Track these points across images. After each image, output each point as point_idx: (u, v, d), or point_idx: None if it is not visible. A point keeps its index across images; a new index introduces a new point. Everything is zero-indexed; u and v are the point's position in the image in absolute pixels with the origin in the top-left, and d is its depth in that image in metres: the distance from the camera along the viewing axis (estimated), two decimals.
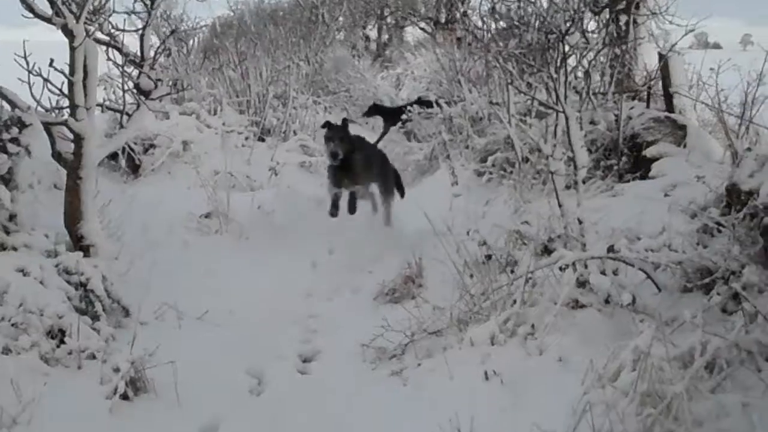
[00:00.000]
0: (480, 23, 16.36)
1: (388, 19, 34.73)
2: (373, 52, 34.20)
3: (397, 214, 11.43)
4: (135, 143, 13.47)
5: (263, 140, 16.07)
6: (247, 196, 11.85)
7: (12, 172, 7.94)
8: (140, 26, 9.90)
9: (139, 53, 9.76)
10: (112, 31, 9.63)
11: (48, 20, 8.07)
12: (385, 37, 36.29)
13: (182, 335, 7.82)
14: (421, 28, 31.80)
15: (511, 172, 11.07)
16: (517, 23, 12.83)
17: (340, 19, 30.20)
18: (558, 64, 7.95)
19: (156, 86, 9.58)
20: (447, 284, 7.76)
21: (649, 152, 10.31)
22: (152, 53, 9.95)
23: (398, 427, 5.91)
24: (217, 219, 10.87)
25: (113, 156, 12.97)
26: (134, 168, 13.55)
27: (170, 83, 11.58)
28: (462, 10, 25.34)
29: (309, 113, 18.29)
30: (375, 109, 20.28)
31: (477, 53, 16.45)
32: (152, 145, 13.68)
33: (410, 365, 6.97)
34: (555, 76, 7.75)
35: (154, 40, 11.04)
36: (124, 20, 9.97)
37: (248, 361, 7.42)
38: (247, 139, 15.42)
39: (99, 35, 9.17)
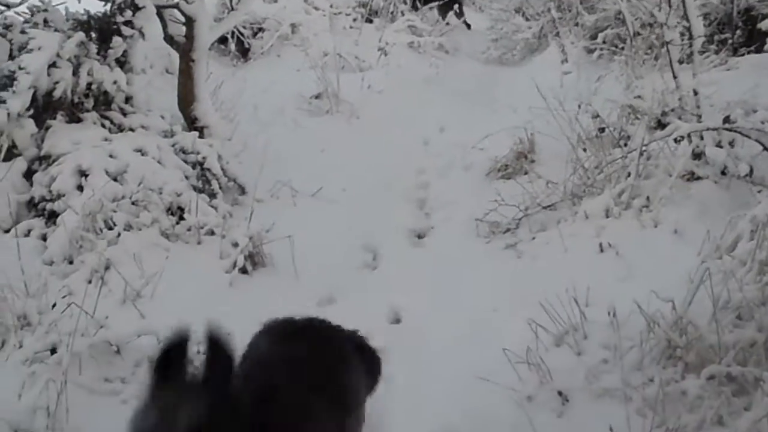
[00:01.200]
0: None
1: None
2: None
3: (509, 91, 11.35)
4: (244, 27, 13.49)
5: (371, 21, 15.94)
6: (356, 77, 11.84)
7: (126, 56, 8.09)
8: None
9: None
10: None
11: None
12: None
13: (297, 212, 7.95)
14: None
15: (623, 48, 10.87)
16: None
17: None
18: None
19: None
20: (560, 159, 7.69)
21: (764, 25, 9.80)
22: None
23: (515, 296, 5.91)
24: (327, 99, 10.87)
25: (223, 40, 13.04)
26: (244, 52, 13.59)
27: None
28: None
29: None
30: None
31: None
32: (261, 29, 13.67)
33: (524, 239, 7.03)
34: None
35: None
36: None
37: (363, 236, 7.54)
38: (355, 20, 15.29)
39: None
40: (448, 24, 16.62)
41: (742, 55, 9.99)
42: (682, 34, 7.63)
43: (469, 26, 17.59)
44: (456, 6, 17.61)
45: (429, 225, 7.95)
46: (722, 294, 4.67)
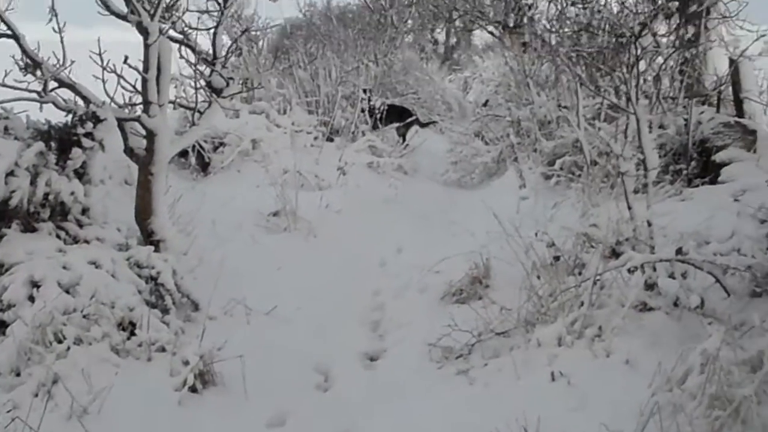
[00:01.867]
0: (548, 27, 16.32)
1: (457, 23, 34.53)
2: (441, 55, 34.07)
3: (467, 215, 11.53)
4: (205, 141, 13.51)
5: (332, 140, 15.89)
6: (315, 195, 11.90)
7: (85, 167, 8.08)
8: (212, 25, 9.84)
9: (210, 52, 9.81)
10: (185, 29, 9.70)
11: (123, 18, 8.19)
12: (453, 40, 36.13)
13: (251, 330, 7.91)
14: (489, 32, 31.54)
15: (579, 176, 10.91)
16: (586, 27, 12.77)
17: (409, 22, 30.08)
18: (630, 65, 7.91)
19: (227, 85, 9.63)
20: (514, 285, 7.70)
21: (718, 157, 10.17)
22: (224, 52, 10.04)
23: (464, 425, 5.91)
24: (285, 217, 10.95)
25: (183, 153, 13.04)
26: (204, 166, 13.57)
27: (241, 82, 11.65)
28: (529, 14, 25.09)
29: (378, 114, 18.39)
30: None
31: (545, 57, 16.25)
32: (222, 143, 13.73)
33: (477, 365, 6.99)
34: (627, 77, 7.72)
35: (225, 40, 11.14)
36: (197, 19, 10.04)
37: (315, 357, 7.49)
38: (315, 138, 15.43)
39: (172, 33, 9.23)
40: (407, 145, 16.95)
41: (697, 186, 10.10)
42: (637, 165, 7.81)
43: (404, 140, 17.97)
44: (415, 128, 18.03)
45: (382, 347, 7.91)
46: (671, 428, 4.72)
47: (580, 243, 8.19)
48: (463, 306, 8.22)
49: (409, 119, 17.67)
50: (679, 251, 6.90)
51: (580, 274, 7.47)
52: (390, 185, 13.88)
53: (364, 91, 17.26)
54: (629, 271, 6.94)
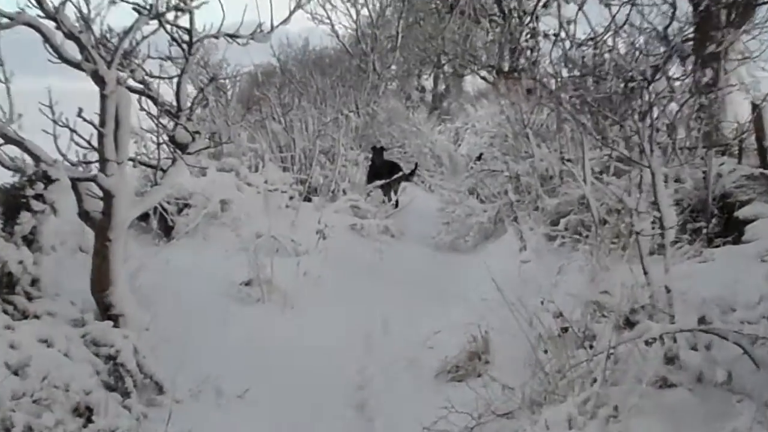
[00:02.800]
0: (549, 71, 16.12)
1: (446, 68, 34.80)
2: (428, 103, 34.31)
3: (462, 282, 11.65)
4: (168, 202, 13.39)
5: (309, 200, 16.19)
6: (292, 262, 11.85)
7: (35, 233, 8.03)
8: (176, 73, 9.91)
9: (174, 103, 9.77)
10: (146, 78, 9.66)
11: (77, 66, 8.17)
12: (441, 87, 36.42)
13: (221, 415, 7.82)
14: (482, 77, 31.74)
15: (587, 236, 10.97)
16: (592, 71, 12.72)
17: (393, 67, 30.18)
18: (642, 113, 7.89)
19: (193, 139, 9.59)
20: (517, 361, 7.72)
21: (742, 213, 10.16)
22: (189, 103, 9.97)
23: None
24: (259, 286, 10.87)
25: (144, 217, 12.83)
26: (167, 230, 13.41)
27: (208, 136, 11.59)
28: (533, 58, 25.04)
29: (360, 170, 18.55)
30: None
31: (546, 104, 16.34)
32: (187, 205, 13.56)
33: None
34: (639, 126, 7.68)
35: (190, 89, 11.13)
36: (159, 67, 10.05)
37: None
38: (291, 198, 15.37)
39: (131, 83, 9.25)
40: (397, 204, 17.03)
41: (718, 246, 9.96)
42: (652, 223, 7.77)
43: (396, 204, 17.92)
44: (401, 185, 18.12)
45: None
46: None
47: (590, 312, 8.19)
48: (461, 385, 8.22)
49: (397, 175, 17.82)
50: (701, 320, 6.78)
51: (591, 347, 7.33)
52: (375, 250, 13.97)
53: (374, 148, 18.10)
54: (646, 343, 6.81)
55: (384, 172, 17.95)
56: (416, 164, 20.58)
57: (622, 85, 10.60)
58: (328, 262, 12.40)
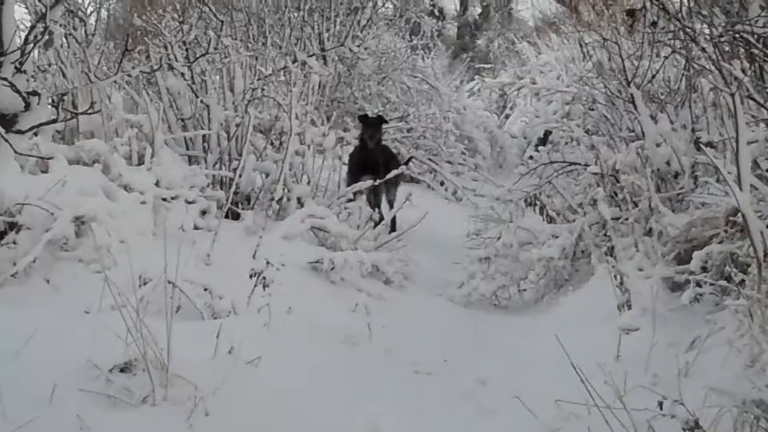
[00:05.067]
0: None
1: None
2: (452, 41, 34.04)
3: (512, 369, 11.04)
4: None
5: (237, 217, 15.44)
6: (206, 330, 10.81)
7: None
8: None
9: None
10: None
11: None
12: (475, 9, 36.16)
13: None
14: None
15: (742, 283, 10.01)
16: None
17: None
18: None
19: (26, 106, 9.45)
20: None
21: None
22: (18, 40, 9.80)
23: None
24: (145, 375, 9.62)
25: None
26: None
27: (53, 100, 11.39)
28: None
29: (327, 163, 17.93)
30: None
31: (669, 41, 15.36)
32: (15, 225, 12.77)
33: None
34: None
35: (20, 15, 10.92)
36: None
37: None
38: (204, 213, 14.44)
39: None
40: (393, 225, 16.68)
41: None
42: None
43: (393, 224, 17.42)
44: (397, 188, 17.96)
45: None
46: None
47: (749, 421, 7.96)
48: None
49: (398, 170, 17.63)
50: None
51: None
52: (357, 309, 13.10)
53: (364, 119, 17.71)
54: None
55: (378, 162, 17.90)
56: (411, 158, 20.57)
57: None
58: (273, 332, 11.37)
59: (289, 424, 9.80)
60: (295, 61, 17.72)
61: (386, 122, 18.13)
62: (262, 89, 15.80)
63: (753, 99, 9.56)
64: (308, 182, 15.66)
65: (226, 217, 13.70)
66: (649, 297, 10.95)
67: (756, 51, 9.64)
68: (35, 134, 9.18)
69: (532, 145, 20.52)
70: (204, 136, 15.03)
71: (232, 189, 14.10)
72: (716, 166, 9.74)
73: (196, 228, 13.25)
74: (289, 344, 10.64)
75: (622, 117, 14.63)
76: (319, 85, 18.32)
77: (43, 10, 10.56)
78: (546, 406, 8.18)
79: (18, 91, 8.47)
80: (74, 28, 16.93)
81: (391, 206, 16.83)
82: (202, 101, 15.74)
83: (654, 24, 15.54)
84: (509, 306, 13.75)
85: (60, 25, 14.62)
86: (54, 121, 9.71)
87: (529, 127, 23.57)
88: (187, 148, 15.02)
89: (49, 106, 9.38)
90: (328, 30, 20.83)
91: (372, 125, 17.19)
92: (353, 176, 16.49)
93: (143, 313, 10.09)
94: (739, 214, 9.22)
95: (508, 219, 15.28)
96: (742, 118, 8.93)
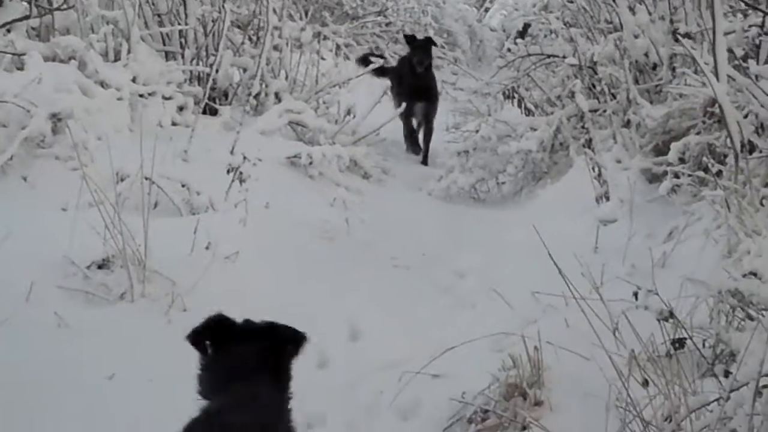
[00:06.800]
0: None
1: None
2: None
3: (490, 261, 11.43)
4: None
5: (215, 113, 15.94)
6: (183, 226, 11.28)
7: None
8: None
9: None
10: None
11: None
12: None
13: None
14: None
15: (719, 173, 10.36)
16: None
17: None
18: None
19: None
20: (592, 398, 7.25)
21: None
22: None
23: None
24: (123, 271, 10.17)
25: None
26: None
27: None
28: None
29: (305, 58, 18.38)
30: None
31: None
32: None
33: None
34: None
35: None
36: None
37: None
38: (181, 110, 14.97)
39: None
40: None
41: None
42: None
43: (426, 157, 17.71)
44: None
45: None
46: None
47: (724, 311, 7.89)
48: None
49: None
50: None
51: (727, 375, 6.96)
52: (335, 203, 13.54)
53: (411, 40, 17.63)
54: None
55: (433, 88, 17.97)
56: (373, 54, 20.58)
57: None
58: (251, 227, 11.71)
59: (266, 311, 8.58)
60: None
61: (435, 45, 17.97)
62: None
63: None
64: (286, 77, 15.56)
65: (204, 112, 13.95)
66: (626, 188, 11.34)
67: None
68: (8, 31, 9.12)
69: (511, 38, 20.38)
70: (181, 31, 15.11)
71: (209, 85, 14.26)
72: (693, 57, 9.79)
73: (173, 124, 13.38)
74: (267, 239, 11.38)
75: (600, 8, 14.64)
76: None
77: None
78: (523, 297, 8.37)
79: None
80: None
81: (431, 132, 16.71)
82: None
83: None
84: (488, 199, 14.00)
85: None
86: (27, 17, 9.67)
87: (508, 20, 23.54)
88: (164, 44, 15.03)
89: (23, 2, 9.34)
90: None
91: (421, 48, 17.14)
92: (410, 103, 16.10)
93: (121, 209, 10.64)
94: (717, 105, 9.21)
95: (486, 112, 15.25)
96: (719, 8, 8.97)
